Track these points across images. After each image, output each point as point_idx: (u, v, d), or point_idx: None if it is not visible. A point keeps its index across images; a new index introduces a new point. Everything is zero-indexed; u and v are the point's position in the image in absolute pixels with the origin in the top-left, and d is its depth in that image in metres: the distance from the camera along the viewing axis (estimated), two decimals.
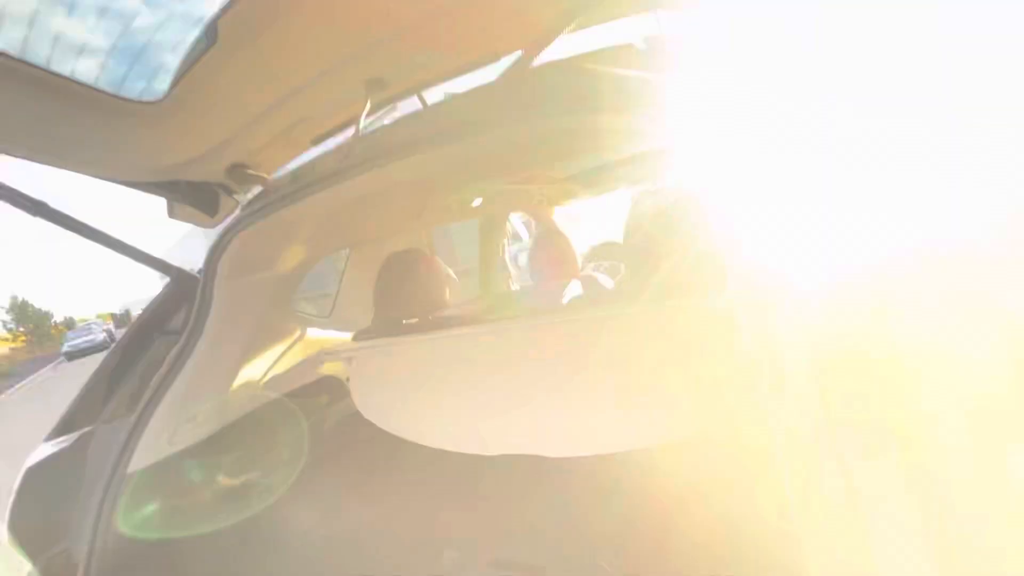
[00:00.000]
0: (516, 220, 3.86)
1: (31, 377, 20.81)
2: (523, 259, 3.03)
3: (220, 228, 1.11)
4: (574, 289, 1.51)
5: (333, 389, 1.54)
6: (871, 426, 0.50)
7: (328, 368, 1.54)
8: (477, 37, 0.95)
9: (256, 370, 1.27)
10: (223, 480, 1.14)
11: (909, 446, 0.47)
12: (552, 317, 1.23)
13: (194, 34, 0.91)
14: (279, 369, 1.35)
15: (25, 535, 0.92)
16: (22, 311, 39.62)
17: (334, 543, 1.23)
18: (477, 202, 1.89)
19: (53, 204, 1.06)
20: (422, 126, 1.02)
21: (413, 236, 1.97)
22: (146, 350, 1.10)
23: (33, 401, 13.23)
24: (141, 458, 0.98)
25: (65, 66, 0.92)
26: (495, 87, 1.03)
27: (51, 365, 24.54)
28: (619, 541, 1.04)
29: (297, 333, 1.44)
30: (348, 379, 1.53)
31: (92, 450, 1.00)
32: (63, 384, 15.81)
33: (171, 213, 1.15)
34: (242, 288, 1.15)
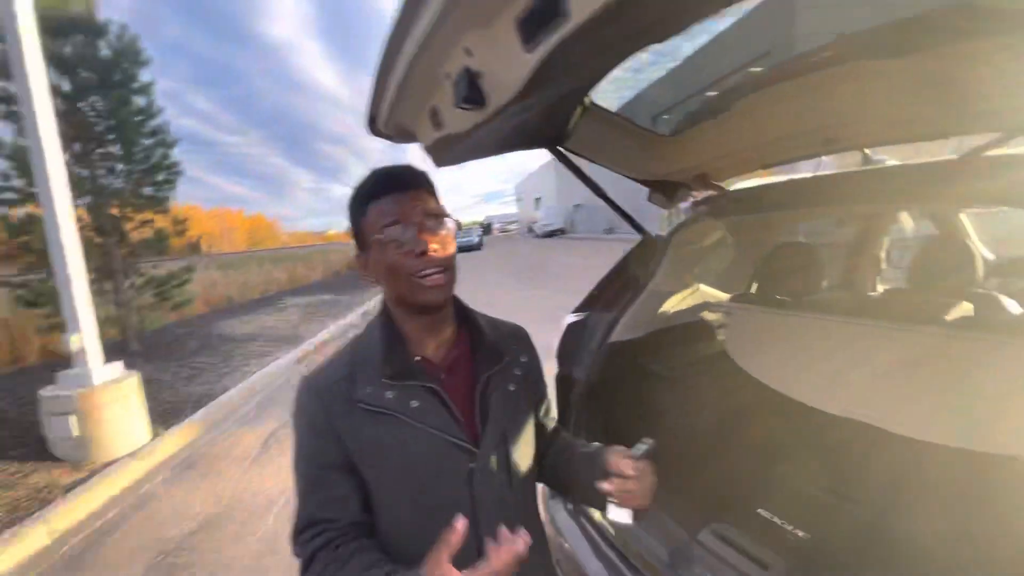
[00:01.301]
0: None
1: None
2: (906, 259, 2.84)
3: (682, 211, 1.77)
4: (964, 307, 1.56)
5: (706, 330, 2.14)
6: None
7: (707, 315, 2.14)
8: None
9: (670, 303, 1.96)
10: (643, 360, 1.90)
11: None
12: (930, 329, 1.41)
13: (702, 107, 1.51)
14: (681, 307, 2.02)
15: (560, 360, 1.85)
16: None
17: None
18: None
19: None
20: (859, 184, 1.35)
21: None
22: (623, 277, 1.90)
23: None
24: (614, 336, 1.78)
25: (630, 113, 1.67)
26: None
27: None
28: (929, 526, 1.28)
29: (694, 286, 2.06)
30: (719, 326, 2.09)
31: (590, 324, 1.86)
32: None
33: (649, 198, 1.88)
34: (681, 253, 1.80)
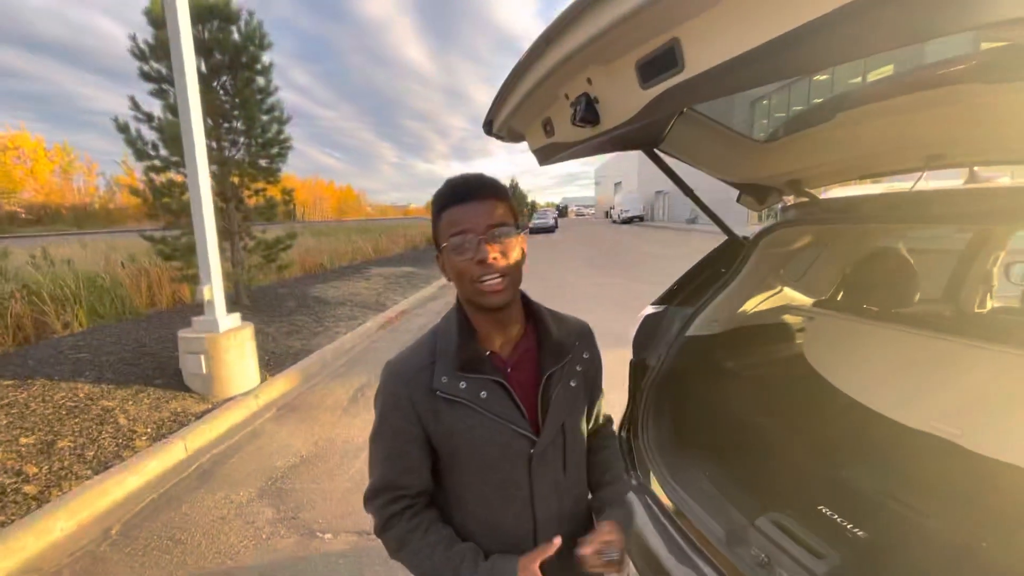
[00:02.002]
0: None
1: None
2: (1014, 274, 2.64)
3: (772, 215, 1.80)
4: None
5: (786, 332, 2.16)
6: None
7: (787, 317, 2.16)
8: None
9: (751, 304, 2.01)
10: (717, 356, 1.98)
11: None
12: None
13: (802, 116, 1.54)
14: (763, 307, 2.06)
15: (635, 349, 1.98)
16: (513, 192, 57.32)
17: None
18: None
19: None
20: (958, 201, 1.35)
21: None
22: (704, 274, 1.98)
23: None
24: (691, 330, 1.87)
25: (726, 120, 1.73)
26: None
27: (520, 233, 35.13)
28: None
29: (778, 288, 2.09)
30: (799, 329, 2.10)
31: (667, 318, 1.96)
32: (529, 248, 22.55)
33: (739, 199, 1.93)
34: (767, 254, 1.84)
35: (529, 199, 67.26)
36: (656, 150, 1.67)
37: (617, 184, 56.70)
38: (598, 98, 0.94)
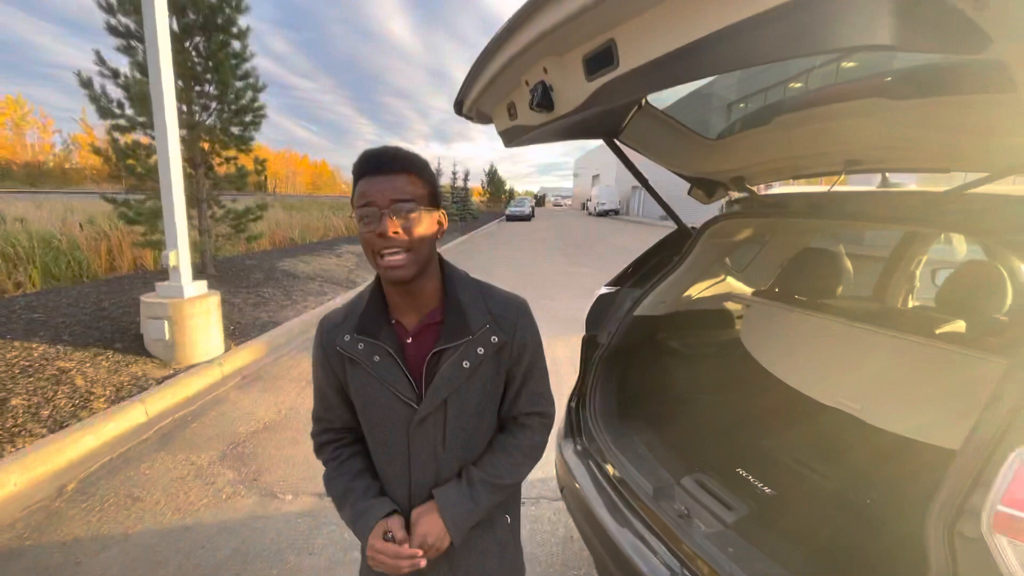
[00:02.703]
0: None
1: (490, 224, 30.50)
2: (940, 278, 2.90)
3: (714, 208, 1.97)
4: (956, 324, 1.71)
5: (725, 317, 2.35)
6: None
7: (728, 304, 2.34)
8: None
9: (695, 289, 2.18)
10: (661, 336, 2.14)
11: None
12: (913, 339, 1.57)
13: (745, 118, 1.69)
14: (705, 294, 2.23)
15: (587, 325, 2.13)
16: (492, 178, 56.78)
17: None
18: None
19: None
20: (867, 202, 1.53)
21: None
22: (654, 260, 2.13)
23: (488, 239, 19.72)
24: (640, 310, 2.03)
25: (678, 115, 1.86)
26: None
27: (497, 220, 35.06)
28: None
29: (721, 276, 2.27)
30: (738, 316, 2.29)
31: (619, 298, 2.11)
32: (501, 234, 22.65)
33: (690, 192, 2.08)
34: (710, 244, 2.01)
35: (508, 186, 67.05)
36: (616, 140, 1.80)
37: (595, 176, 57.16)
38: (552, 86, 1.05)
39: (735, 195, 1.99)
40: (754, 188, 1.87)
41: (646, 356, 2.05)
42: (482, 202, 52.97)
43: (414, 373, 0.94)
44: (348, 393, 1.00)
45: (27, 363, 3.84)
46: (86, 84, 5.97)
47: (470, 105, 1.48)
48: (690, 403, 2.04)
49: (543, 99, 1.07)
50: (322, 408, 1.05)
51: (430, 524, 0.92)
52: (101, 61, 6.14)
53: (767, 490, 1.60)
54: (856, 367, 1.67)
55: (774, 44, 0.64)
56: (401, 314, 0.96)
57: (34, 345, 4.13)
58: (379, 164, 0.85)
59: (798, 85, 1.62)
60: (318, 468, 3.13)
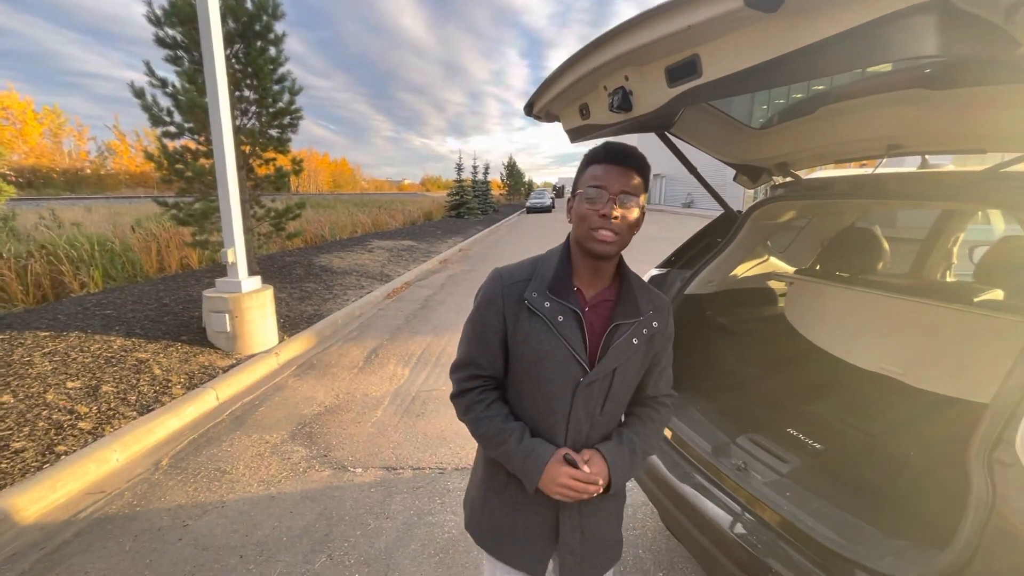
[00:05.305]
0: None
1: (511, 216, 30.64)
2: (977, 255, 2.96)
3: (761, 192, 2.11)
4: (995, 292, 1.82)
5: (769, 295, 2.49)
6: None
7: (772, 282, 2.48)
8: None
9: (741, 269, 2.33)
10: (710, 313, 2.30)
11: None
12: (949, 307, 1.70)
13: (790, 108, 1.83)
14: (750, 273, 2.38)
15: None
16: (511, 170, 56.69)
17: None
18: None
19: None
20: (908, 182, 1.66)
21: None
22: (703, 242, 2.28)
23: (512, 231, 19.87)
24: (690, 290, 2.18)
25: (727, 107, 2.01)
26: None
27: (517, 213, 35.14)
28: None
29: (765, 256, 2.41)
30: (781, 293, 2.43)
31: (669, 278, 2.27)
32: (523, 225, 22.75)
33: (735, 178, 2.22)
34: (756, 227, 2.15)
35: (526, 178, 66.89)
36: (667, 133, 1.96)
37: None
38: (632, 91, 1.22)
39: (779, 180, 2.13)
40: (798, 173, 2.00)
41: (696, 332, 2.21)
42: (501, 195, 52.99)
43: (590, 340, 1.03)
44: (508, 343, 1.06)
45: (110, 354, 4.19)
46: (139, 94, 6.33)
47: (541, 107, 1.66)
48: (739, 374, 2.19)
49: (623, 102, 1.24)
50: (478, 353, 1.08)
51: (599, 465, 1.03)
52: (151, 72, 6.49)
53: (817, 445, 1.75)
54: (898, 335, 1.80)
55: (838, 61, 0.81)
56: (581, 283, 1.06)
57: (112, 338, 4.49)
58: (618, 156, 0.97)
59: (842, 77, 1.75)
60: (382, 444, 3.42)
